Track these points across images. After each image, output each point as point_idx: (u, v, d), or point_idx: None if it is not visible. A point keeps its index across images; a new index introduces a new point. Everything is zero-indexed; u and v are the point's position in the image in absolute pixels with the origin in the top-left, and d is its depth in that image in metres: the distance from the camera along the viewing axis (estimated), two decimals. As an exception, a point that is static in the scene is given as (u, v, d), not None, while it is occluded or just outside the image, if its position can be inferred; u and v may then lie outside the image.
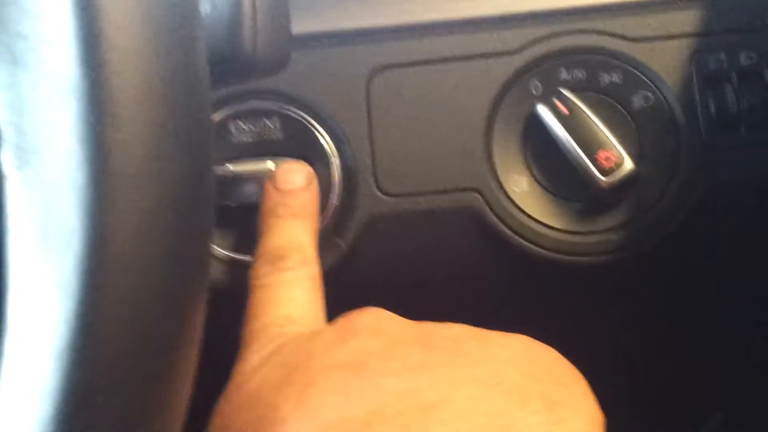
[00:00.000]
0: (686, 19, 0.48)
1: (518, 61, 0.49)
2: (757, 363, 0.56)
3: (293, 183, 0.45)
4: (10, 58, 0.24)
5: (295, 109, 0.49)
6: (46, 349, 0.22)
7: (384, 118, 0.48)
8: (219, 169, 0.47)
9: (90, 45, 0.23)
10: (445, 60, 0.49)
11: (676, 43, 0.48)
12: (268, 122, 0.48)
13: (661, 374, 0.56)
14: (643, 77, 0.48)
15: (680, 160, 0.47)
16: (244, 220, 0.47)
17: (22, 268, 0.23)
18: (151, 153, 0.24)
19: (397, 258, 0.49)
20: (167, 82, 0.24)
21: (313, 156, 0.48)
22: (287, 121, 0.49)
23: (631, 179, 0.46)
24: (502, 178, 0.48)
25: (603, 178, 0.46)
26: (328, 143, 0.48)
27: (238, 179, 0.48)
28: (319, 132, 0.48)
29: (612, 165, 0.46)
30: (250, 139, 0.48)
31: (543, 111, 0.48)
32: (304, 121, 0.49)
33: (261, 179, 0.46)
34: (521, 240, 0.48)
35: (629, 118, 0.48)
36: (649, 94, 0.48)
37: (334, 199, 0.48)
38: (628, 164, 0.46)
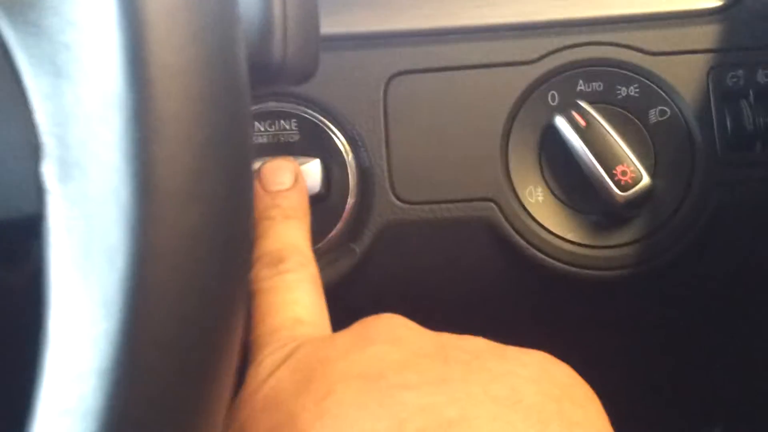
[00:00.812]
0: (704, 35, 0.48)
1: (536, 71, 0.49)
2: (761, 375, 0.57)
3: (281, 183, 0.44)
4: (53, 69, 0.24)
5: (312, 112, 0.48)
6: (88, 367, 0.22)
7: (401, 124, 0.48)
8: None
9: (137, 60, 0.23)
10: (463, 67, 0.49)
11: (694, 58, 0.48)
12: (284, 124, 0.48)
13: (671, 387, 0.56)
14: (661, 91, 0.48)
15: (695, 176, 0.48)
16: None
17: (64, 283, 0.23)
18: (195, 170, 0.23)
19: (411, 265, 0.49)
20: (211, 100, 0.24)
21: (330, 159, 0.48)
22: (304, 123, 0.48)
23: (647, 195, 0.46)
24: (518, 189, 0.48)
25: (620, 193, 0.46)
26: (344, 146, 0.48)
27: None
28: (335, 135, 0.48)
29: (629, 180, 0.46)
30: (266, 140, 0.48)
31: (560, 122, 0.48)
32: (320, 123, 0.48)
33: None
34: (535, 251, 0.48)
35: (645, 131, 0.48)
36: (666, 108, 0.48)
37: (350, 203, 0.48)
38: (645, 180, 0.46)
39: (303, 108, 0.48)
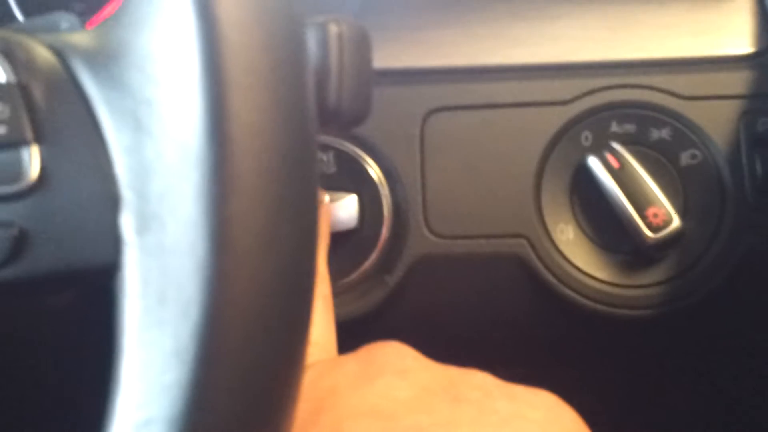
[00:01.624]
0: (737, 81, 0.49)
1: (571, 111, 0.49)
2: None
3: None
4: (134, 123, 0.25)
5: (349, 145, 0.49)
6: (158, 415, 0.23)
7: (436, 159, 0.49)
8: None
9: (217, 118, 0.24)
10: (499, 105, 0.50)
11: (726, 103, 0.49)
12: (322, 156, 0.49)
13: (696, 428, 0.57)
14: (692, 135, 0.49)
15: (724, 220, 0.48)
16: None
17: (138, 332, 0.24)
18: (269, 226, 0.24)
19: (441, 298, 0.50)
20: (286, 157, 0.25)
21: (365, 191, 0.49)
22: (341, 156, 0.49)
23: (677, 237, 0.47)
24: (550, 226, 0.49)
25: (651, 234, 0.47)
26: (380, 180, 0.49)
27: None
28: (372, 168, 0.49)
29: (660, 222, 0.47)
30: (303, 172, 0.49)
31: (593, 163, 0.48)
32: (357, 156, 0.49)
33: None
34: (565, 288, 0.49)
35: (676, 174, 0.49)
36: (697, 152, 0.49)
37: (384, 235, 0.49)
38: (676, 222, 0.47)
39: (340, 140, 0.49)
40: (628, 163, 0.48)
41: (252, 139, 0.24)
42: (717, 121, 0.49)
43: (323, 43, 0.33)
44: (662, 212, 0.47)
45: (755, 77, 0.49)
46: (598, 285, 0.49)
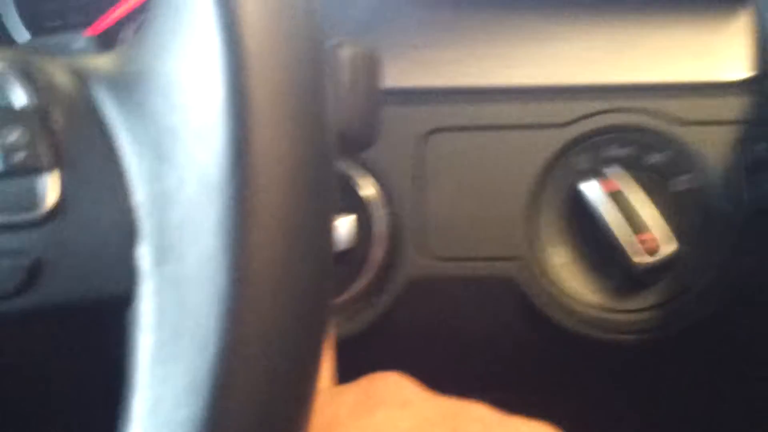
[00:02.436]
0: (734, 106, 0.49)
1: (567, 134, 0.49)
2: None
3: None
4: (156, 152, 0.24)
5: (346, 164, 0.49)
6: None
7: (434, 180, 0.49)
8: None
9: (241, 150, 0.23)
10: (497, 127, 0.49)
11: (723, 128, 0.49)
12: None
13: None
14: (688, 160, 0.49)
15: (718, 245, 0.49)
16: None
17: (151, 366, 0.23)
18: (289, 259, 0.24)
19: (434, 320, 0.50)
20: (306, 190, 0.24)
21: (360, 211, 0.49)
22: (338, 176, 0.49)
23: (670, 262, 0.47)
24: (543, 249, 0.49)
25: (643, 260, 0.47)
26: (376, 200, 0.49)
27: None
28: (368, 188, 0.49)
29: (653, 247, 0.47)
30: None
31: (587, 187, 0.48)
32: (354, 176, 0.49)
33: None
34: (556, 312, 0.49)
35: (672, 198, 0.49)
36: (693, 177, 0.49)
37: (378, 256, 0.48)
38: (669, 248, 0.47)
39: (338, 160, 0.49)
40: (623, 187, 0.48)
41: (275, 171, 0.24)
42: (713, 146, 0.49)
43: (337, 67, 0.33)
44: (656, 237, 0.47)
45: (753, 103, 0.49)
46: (589, 310, 0.49)
